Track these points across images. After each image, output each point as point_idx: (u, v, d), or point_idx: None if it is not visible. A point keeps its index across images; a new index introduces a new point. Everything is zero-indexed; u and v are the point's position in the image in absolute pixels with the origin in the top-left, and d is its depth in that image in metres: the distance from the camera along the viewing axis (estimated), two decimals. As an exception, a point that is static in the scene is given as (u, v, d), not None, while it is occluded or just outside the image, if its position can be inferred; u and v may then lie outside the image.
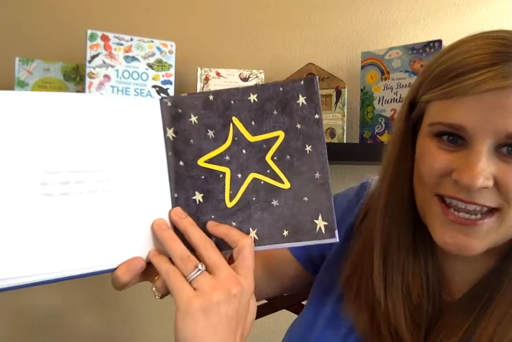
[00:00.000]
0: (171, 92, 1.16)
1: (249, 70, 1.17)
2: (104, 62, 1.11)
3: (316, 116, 0.47)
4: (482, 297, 0.57)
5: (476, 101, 0.49)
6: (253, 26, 1.27)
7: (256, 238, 0.50)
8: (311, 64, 1.16)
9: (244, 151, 0.48)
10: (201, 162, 0.49)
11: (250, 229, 0.49)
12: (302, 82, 0.47)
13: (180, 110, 0.49)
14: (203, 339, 0.46)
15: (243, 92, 0.48)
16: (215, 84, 1.16)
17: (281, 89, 0.47)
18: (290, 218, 0.48)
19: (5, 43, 1.26)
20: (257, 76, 1.17)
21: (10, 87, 1.14)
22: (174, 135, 0.49)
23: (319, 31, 1.25)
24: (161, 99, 0.50)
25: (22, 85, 1.13)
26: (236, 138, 0.48)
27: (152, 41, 1.15)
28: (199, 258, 0.48)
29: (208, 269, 0.48)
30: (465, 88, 0.49)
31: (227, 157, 0.48)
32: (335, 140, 1.13)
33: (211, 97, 0.48)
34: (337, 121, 1.13)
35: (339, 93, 1.13)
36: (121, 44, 1.12)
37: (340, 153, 1.06)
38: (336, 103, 1.14)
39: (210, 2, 1.28)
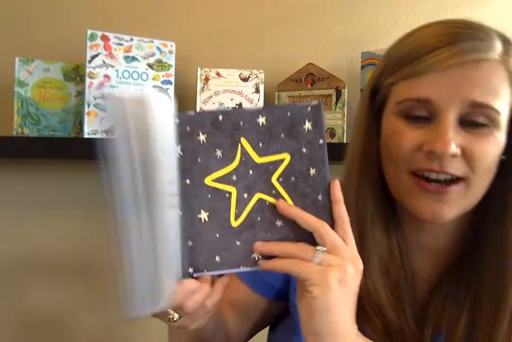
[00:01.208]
0: (171, 92, 1.16)
1: (249, 70, 1.17)
2: (104, 62, 1.11)
3: (321, 141, 0.48)
4: (460, 275, 0.60)
5: (440, 76, 0.52)
6: (253, 26, 1.27)
7: (260, 257, 0.50)
8: (311, 64, 1.16)
9: (251, 172, 0.49)
10: (208, 181, 0.50)
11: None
12: (309, 108, 0.48)
13: (188, 128, 0.51)
14: (338, 309, 0.47)
15: (252, 114, 0.49)
16: (215, 84, 1.16)
17: (289, 114, 0.48)
18: (294, 239, 0.49)
19: (5, 43, 1.26)
20: (257, 76, 1.17)
21: (10, 87, 1.14)
22: (181, 153, 0.50)
23: (319, 31, 1.25)
24: None
25: (22, 85, 1.13)
26: (243, 159, 0.49)
27: (152, 41, 1.15)
28: (318, 240, 0.48)
29: (328, 250, 0.48)
30: (429, 65, 0.52)
31: (234, 177, 0.49)
32: (335, 140, 1.13)
33: (220, 117, 0.49)
34: (337, 121, 1.13)
35: (339, 93, 1.13)
36: (121, 44, 1.12)
37: (340, 153, 1.06)
38: (336, 103, 1.14)
39: (210, 2, 1.28)
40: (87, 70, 1.10)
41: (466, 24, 0.56)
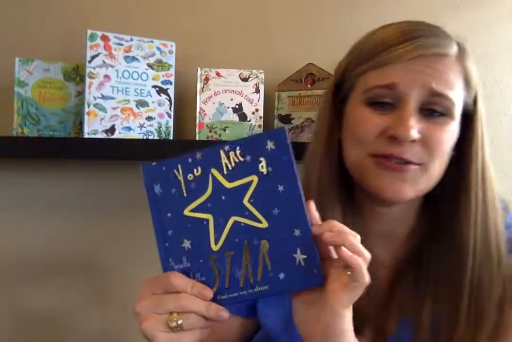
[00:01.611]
0: (171, 92, 1.16)
1: (249, 70, 1.17)
2: (104, 62, 1.11)
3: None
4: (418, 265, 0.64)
5: (406, 65, 0.58)
6: (253, 26, 1.27)
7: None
8: (311, 64, 1.16)
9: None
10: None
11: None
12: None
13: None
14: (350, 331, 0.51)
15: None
16: (215, 84, 1.16)
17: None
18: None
19: (5, 43, 1.26)
20: (257, 76, 1.17)
21: (10, 87, 1.14)
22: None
23: (319, 31, 1.25)
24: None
25: (22, 85, 1.13)
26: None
27: (152, 41, 1.15)
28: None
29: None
30: (397, 56, 0.58)
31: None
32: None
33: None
34: (337, 121, 1.13)
35: (339, 93, 1.13)
36: (121, 44, 1.12)
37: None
38: (336, 103, 1.14)
39: (211, 2, 1.28)
40: (87, 70, 1.10)
41: (423, 23, 0.62)
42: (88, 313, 1.27)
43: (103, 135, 1.10)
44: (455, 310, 0.61)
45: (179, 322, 0.50)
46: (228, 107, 1.16)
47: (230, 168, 0.53)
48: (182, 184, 0.54)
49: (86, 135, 1.09)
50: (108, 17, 1.26)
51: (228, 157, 0.53)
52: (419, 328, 0.61)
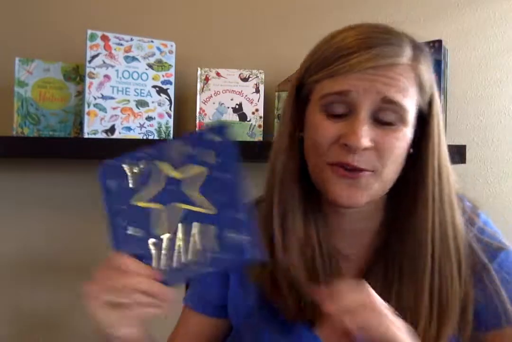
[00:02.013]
0: (171, 92, 1.16)
1: (249, 70, 1.17)
2: (104, 62, 1.11)
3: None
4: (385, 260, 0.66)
5: (360, 75, 0.59)
6: (253, 26, 1.27)
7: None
8: (311, 64, 1.16)
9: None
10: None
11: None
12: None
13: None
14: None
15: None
16: (215, 84, 1.16)
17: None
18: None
19: (5, 43, 1.26)
20: (257, 76, 1.17)
21: (10, 87, 1.14)
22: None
23: (319, 31, 1.24)
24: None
25: (22, 85, 1.13)
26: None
27: (152, 41, 1.15)
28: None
29: None
30: (350, 66, 0.59)
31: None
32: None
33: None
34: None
35: (339, 93, 1.13)
36: (121, 44, 1.12)
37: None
38: (336, 103, 1.14)
39: (210, 2, 1.28)
40: (87, 70, 1.10)
41: (381, 28, 0.63)
42: (87, 313, 1.27)
43: (103, 135, 1.10)
44: (416, 307, 0.62)
45: (124, 300, 0.53)
46: (228, 107, 1.16)
47: (180, 160, 0.57)
48: (129, 177, 0.60)
49: (86, 135, 1.09)
50: (108, 17, 1.26)
51: (177, 150, 0.57)
52: None
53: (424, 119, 0.65)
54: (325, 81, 0.62)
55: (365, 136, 0.59)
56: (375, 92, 0.59)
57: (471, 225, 0.67)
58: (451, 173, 0.66)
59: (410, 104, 0.61)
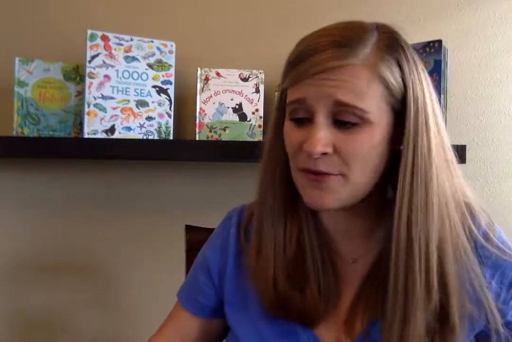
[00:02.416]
0: (171, 92, 1.16)
1: (249, 70, 1.17)
2: (104, 62, 1.11)
3: None
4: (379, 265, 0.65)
5: (311, 81, 0.59)
6: (253, 26, 1.27)
7: None
8: (311, 64, 1.16)
9: None
10: None
11: None
12: None
13: None
14: None
15: None
16: (215, 84, 1.16)
17: None
18: None
19: (5, 43, 1.26)
20: (257, 76, 1.17)
21: (10, 87, 1.14)
22: None
23: (319, 31, 1.24)
24: None
25: (22, 85, 1.13)
26: None
27: (152, 41, 1.15)
28: None
29: None
30: (300, 74, 0.60)
31: None
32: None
33: None
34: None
35: (339, 93, 1.13)
36: (121, 44, 1.12)
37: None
38: (336, 103, 1.14)
39: (210, 2, 1.28)
40: (87, 70, 1.10)
41: (342, 28, 0.62)
42: (87, 313, 1.27)
43: (103, 135, 1.10)
44: (382, 311, 0.62)
45: None
46: (228, 107, 1.16)
47: None
48: None
49: (86, 135, 1.09)
50: (108, 17, 1.26)
51: None
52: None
53: (400, 116, 0.62)
54: (290, 89, 0.63)
55: (321, 141, 0.58)
56: (326, 97, 0.58)
57: (487, 239, 0.65)
58: (443, 172, 0.63)
59: (370, 104, 0.59)
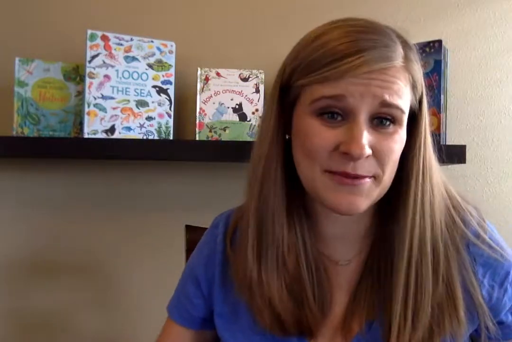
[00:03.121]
0: (171, 92, 1.16)
1: (249, 70, 1.17)
2: (104, 62, 1.11)
3: None
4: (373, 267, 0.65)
5: (354, 80, 0.56)
6: (253, 26, 1.27)
7: None
8: (311, 64, 1.16)
9: None
10: None
11: None
12: None
13: None
14: None
15: None
16: (215, 84, 1.16)
17: None
18: None
19: (5, 43, 1.26)
20: (257, 76, 1.17)
21: (10, 87, 1.14)
22: None
23: (319, 31, 1.24)
24: None
25: (22, 85, 1.13)
26: None
27: (152, 41, 1.15)
28: None
29: None
30: (341, 72, 0.56)
31: None
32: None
33: None
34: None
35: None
36: (121, 44, 1.12)
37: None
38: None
39: (210, 2, 1.28)
40: (87, 70, 1.10)
41: (368, 27, 0.61)
42: (87, 313, 1.27)
43: (103, 135, 1.10)
44: (388, 310, 0.62)
45: None
46: (228, 107, 1.16)
47: None
48: None
49: (86, 135, 1.09)
50: (108, 17, 1.26)
51: None
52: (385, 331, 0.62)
53: (413, 117, 0.63)
54: (315, 85, 0.58)
55: (367, 143, 0.57)
56: (371, 97, 0.56)
57: (478, 238, 0.65)
58: (437, 172, 0.64)
59: (406, 105, 0.60)
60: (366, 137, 0.57)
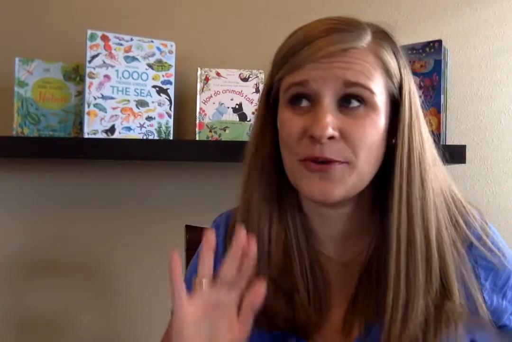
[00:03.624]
0: (171, 92, 1.16)
1: (249, 70, 1.16)
2: (104, 62, 1.11)
3: None
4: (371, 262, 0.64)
5: (314, 65, 0.58)
6: (253, 26, 1.27)
7: None
8: (311, 64, 1.16)
9: None
10: None
11: None
12: None
13: None
14: None
15: None
16: (215, 84, 1.16)
17: None
18: None
19: (5, 43, 1.26)
20: (257, 76, 1.17)
21: (10, 87, 1.14)
22: None
23: (319, 31, 1.25)
24: None
25: (22, 85, 1.13)
26: None
27: (152, 41, 1.15)
28: None
29: None
30: (304, 58, 0.58)
31: None
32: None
33: None
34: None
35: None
36: (121, 44, 1.12)
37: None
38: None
39: (210, 2, 1.28)
40: (87, 70, 1.10)
41: (339, 19, 0.63)
42: (87, 313, 1.27)
43: (103, 135, 1.10)
44: (380, 308, 0.61)
45: None
46: (228, 107, 1.16)
47: None
48: None
49: (86, 135, 1.09)
50: (108, 17, 1.26)
51: None
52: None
53: (396, 105, 0.62)
54: (287, 77, 0.60)
55: (330, 124, 0.56)
56: (334, 79, 0.57)
57: (480, 240, 0.64)
58: (435, 168, 0.63)
59: (376, 87, 0.58)
60: (331, 119, 0.57)
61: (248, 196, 0.66)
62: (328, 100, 0.58)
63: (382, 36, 0.62)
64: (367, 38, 0.60)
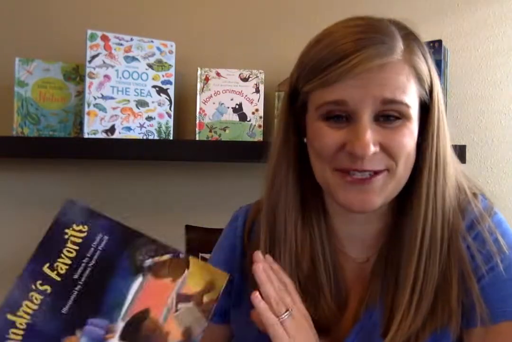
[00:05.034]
0: (171, 92, 1.16)
1: (249, 70, 1.16)
2: (104, 62, 1.11)
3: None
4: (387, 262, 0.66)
5: (353, 82, 0.57)
6: (253, 26, 1.27)
7: None
8: (311, 64, 1.16)
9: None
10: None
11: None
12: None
13: None
14: None
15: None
16: (215, 84, 1.16)
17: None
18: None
19: (5, 43, 1.26)
20: (257, 76, 1.17)
21: (10, 87, 1.14)
22: None
23: (319, 31, 1.24)
24: None
25: (22, 85, 1.13)
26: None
27: (152, 41, 1.15)
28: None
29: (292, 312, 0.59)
30: (340, 74, 0.57)
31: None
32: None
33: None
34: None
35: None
36: (121, 44, 1.12)
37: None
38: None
39: (210, 2, 1.28)
40: (87, 70, 1.10)
41: (368, 25, 0.62)
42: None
43: (103, 135, 1.10)
44: (394, 302, 0.62)
45: None
46: (228, 107, 1.16)
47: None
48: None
49: (86, 135, 1.09)
50: (108, 17, 1.26)
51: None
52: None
53: (426, 108, 0.63)
54: (319, 91, 0.60)
55: (371, 142, 0.57)
56: (371, 98, 0.57)
57: (478, 223, 0.66)
58: (452, 162, 0.64)
59: (412, 98, 0.59)
60: (371, 135, 0.57)
61: (272, 201, 0.68)
62: (367, 118, 0.58)
63: (411, 38, 0.62)
64: (400, 46, 0.60)
